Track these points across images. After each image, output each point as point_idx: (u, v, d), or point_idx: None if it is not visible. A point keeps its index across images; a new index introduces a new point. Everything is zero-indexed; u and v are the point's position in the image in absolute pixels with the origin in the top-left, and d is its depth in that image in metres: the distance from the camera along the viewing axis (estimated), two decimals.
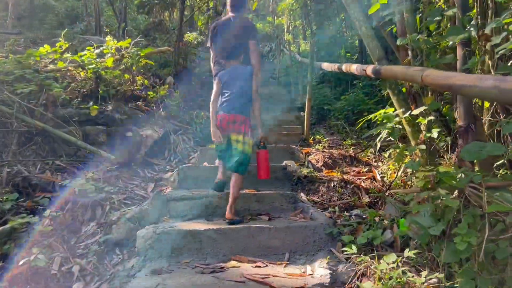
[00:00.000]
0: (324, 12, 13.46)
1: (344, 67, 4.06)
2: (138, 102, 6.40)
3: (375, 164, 4.99)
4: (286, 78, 12.97)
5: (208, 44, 4.24)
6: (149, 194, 4.56)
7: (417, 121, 3.05)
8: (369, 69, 2.98)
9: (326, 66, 5.08)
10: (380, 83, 8.74)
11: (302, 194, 4.04)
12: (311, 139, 6.17)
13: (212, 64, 4.18)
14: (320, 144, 5.82)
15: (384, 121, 4.59)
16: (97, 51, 6.35)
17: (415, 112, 2.73)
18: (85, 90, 6.00)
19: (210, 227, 3.19)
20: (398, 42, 3.37)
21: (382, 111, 4.85)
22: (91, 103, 5.78)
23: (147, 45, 12.82)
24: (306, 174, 4.30)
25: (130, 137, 5.59)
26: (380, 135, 4.54)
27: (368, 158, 5.27)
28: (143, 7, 15.96)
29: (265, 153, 3.65)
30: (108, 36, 6.58)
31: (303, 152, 5.20)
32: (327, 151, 5.42)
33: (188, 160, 5.83)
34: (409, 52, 3.30)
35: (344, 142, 6.09)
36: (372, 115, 4.92)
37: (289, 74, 12.76)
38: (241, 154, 3.46)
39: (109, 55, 6.36)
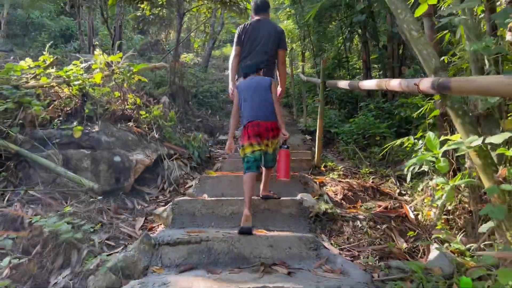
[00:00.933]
0: (323, 34, 12.95)
1: (378, 83, 3.32)
2: (129, 123, 5.66)
3: (402, 197, 4.25)
4: (285, 99, 12.34)
5: (234, 45, 4.53)
6: (138, 232, 3.77)
7: (498, 151, 2.31)
8: (426, 83, 2.28)
9: (344, 84, 4.38)
10: (389, 106, 8.09)
11: (323, 237, 3.28)
12: (322, 166, 5.44)
13: (230, 62, 4.58)
14: (334, 173, 5.08)
15: (418, 149, 3.90)
16: (84, 65, 5.63)
17: (495, 139, 2.03)
18: (69, 109, 5.26)
19: (214, 286, 2.42)
20: (469, 48, 2.70)
21: (405, 138, 4.17)
22: (75, 123, 5.03)
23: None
24: (325, 210, 3.55)
25: (118, 162, 4.83)
26: (410, 165, 3.83)
27: (391, 189, 4.54)
28: (139, 25, 15.40)
29: (287, 152, 3.68)
30: (97, 49, 5.88)
31: (317, 182, 4.45)
32: (344, 180, 4.68)
33: (183, 189, 5.06)
34: (486, 61, 2.64)
35: (361, 171, 5.35)
36: (398, 141, 4.23)
37: (289, 95, 12.14)
38: (275, 152, 3.72)
39: (98, 70, 5.65)
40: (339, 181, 4.56)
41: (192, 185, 5.09)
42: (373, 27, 9.81)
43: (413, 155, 3.96)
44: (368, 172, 5.28)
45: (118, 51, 15.45)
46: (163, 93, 8.60)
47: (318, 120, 5.30)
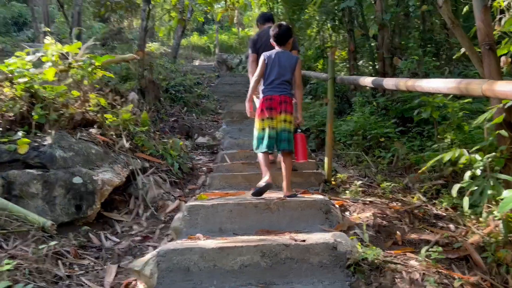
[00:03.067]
0: (305, 22, 11.95)
1: (440, 84, 2.32)
2: (92, 130, 4.48)
3: (448, 224, 3.35)
4: None
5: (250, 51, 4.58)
6: None
7: None
8: None
9: (368, 82, 3.38)
10: (384, 100, 7.21)
11: None
12: (333, 179, 4.47)
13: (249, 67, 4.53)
14: (351, 189, 4.11)
15: (477, 166, 2.98)
16: (31, 57, 4.38)
17: None
18: (11, 115, 4.03)
19: None
20: None
21: (456, 153, 3.22)
22: (19, 134, 3.82)
23: (103, 54, 10.80)
24: (366, 256, 2.57)
25: (79, 184, 3.68)
26: (468, 187, 2.91)
27: (427, 213, 3.63)
28: (100, 10, 13.87)
29: (303, 136, 3.81)
30: (48, 37, 4.62)
31: (337, 206, 3.48)
32: (367, 200, 3.74)
33: (164, 214, 3.97)
34: None
35: (380, 184, 4.42)
36: (446, 156, 3.31)
37: None
38: (289, 133, 3.64)
39: (50, 64, 4.41)
40: (364, 204, 3.61)
41: (175, 209, 4.02)
42: (362, 14, 8.89)
43: (470, 174, 3.05)
44: (389, 188, 4.34)
45: (77, 41, 13.91)
46: (130, 89, 7.36)
47: (327, 125, 4.31)
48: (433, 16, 9.19)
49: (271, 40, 3.75)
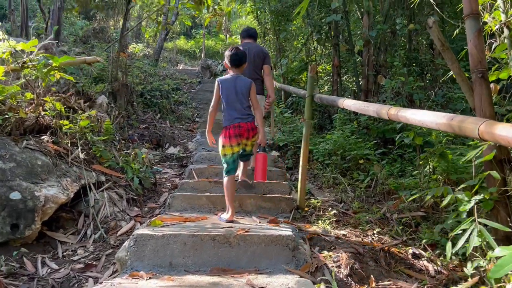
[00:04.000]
0: (289, 33, 11.63)
1: (443, 120, 1.94)
2: (44, 137, 4.01)
3: (425, 266, 2.98)
4: None
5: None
6: None
7: None
8: None
9: (354, 106, 2.98)
10: (367, 121, 6.88)
11: None
12: (306, 203, 4.08)
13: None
14: (325, 219, 3.72)
15: (466, 208, 2.62)
16: None
17: None
18: None
19: None
20: None
21: (449, 196, 2.86)
22: None
23: (80, 53, 10.26)
24: None
25: (17, 201, 3.20)
26: (454, 233, 2.55)
27: (405, 252, 3.27)
28: (83, 8, 13.32)
29: (264, 156, 3.74)
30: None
31: (307, 240, 3.09)
32: (340, 234, 3.35)
33: (115, 237, 3.51)
34: None
35: (355, 215, 4.05)
36: (433, 191, 2.96)
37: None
38: (250, 151, 3.74)
39: None
40: (336, 238, 3.22)
41: (128, 231, 3.57)
42: (348, 29, 8.60)
43: (454, 215, 2.70)
44: (363, 216, 3.98)
45: (56, 39, 13.29)
46: (100, 92, 6.88)
47: (302, 147, 3.93)
48: (419, 35, 8.96)
49: (226, 61, 3.76)
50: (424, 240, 3.58)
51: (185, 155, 5.87)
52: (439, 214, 4.19)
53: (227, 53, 3.72)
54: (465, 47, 8.45)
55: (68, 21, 18.16)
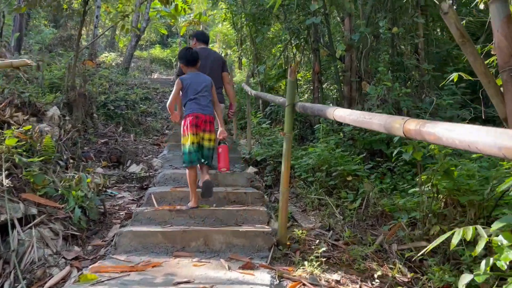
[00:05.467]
0: (267, 39, 10.92)
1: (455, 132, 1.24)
2: None
3: None
4: None
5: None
6: None
7: None
8: None
9: (349, 118, 2.19)
10: (352, 131, 6.15)
11: None
12: (288, 235, 3.26)
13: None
14: (312, 258, 2.91)
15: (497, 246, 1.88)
16: None
17: None
18: None
19: None
20: None
21: (464, 230, 2.09)
22: None
23: (40, 61, 9.28)
24: None
25: None
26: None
27: None
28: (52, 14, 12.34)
29: (226, 147, 3.97)
30: None
31: None
32: (334, 280, 2.56)
33: None
34: None
35: (347, 247, 3.26)
36: (459, 233, 2.21)
37: (227, 106, 9.94)
38: (213, 150, 3.81)
39: None
40: (327, 284, 2.42)
41: (60, 281, 2.70)
42: (329, 33, 7.92)
43: (486, 261, 1.96)
44: (358, 251, 3.20)
45: (17, 47, 12.23)
46: (54, 103, 5.97)
47: (282, 165, 3.14)
48: (403, 39, 8.35)
49: (182, 62, 3.94)
50: (436, 283, 2.83)
51: (148, 174, 5.00)
52: (448, 245, 3.46)
53: (181, 54, 3.96)
54: (455, 50, 7.56)
55: (35, 30, 17.06)
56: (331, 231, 3.75)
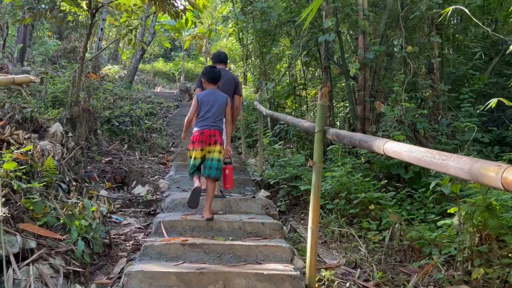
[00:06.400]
0: (275, 55, 10.66)
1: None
2: None
3: None
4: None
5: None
6: None
7: None
8: None
9: (406, 153, 1.86)
10: (370, 155, 5.82)
11: None
12: (317, 281, 2.90)
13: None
14: None
15: None
16: None
17: None
18: None
19: None
20: None
21: None
22: None
23: (43, 74, 8.98)
24: None
25: None
26: None
27: None
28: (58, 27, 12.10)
29: (230, 168, 4.03)
30: None
31: None
32: None
33: None
34: None
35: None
36: None
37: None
38: (218, 162, 3.76)
39: None
40: None
41: None
42: (341, 50, 7.66)
43: None
44: None
45: (20, 59, 11.96)
46: (57, 118, 5.64)
47: (312, 197, 2.78)
48: (418, 59, 8.09)
49: (204, 78, 4.01)
50: None
51: (154, 197, 4.65)
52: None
53: (205, 71, 4.05)
54: (470, 71, 7.07)
55: (39, 41, 16.82)
56: (359, 269, 3.39)
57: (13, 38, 14.54)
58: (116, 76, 14.81)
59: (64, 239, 3.07)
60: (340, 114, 10.26)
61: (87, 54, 16.68)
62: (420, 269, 3.51)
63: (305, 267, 3.17)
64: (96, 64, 13.66)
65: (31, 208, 3.08)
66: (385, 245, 3.81)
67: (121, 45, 21.71)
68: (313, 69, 10.91)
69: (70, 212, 3.29)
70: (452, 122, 7.07)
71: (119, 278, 2.91)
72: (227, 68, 5.11)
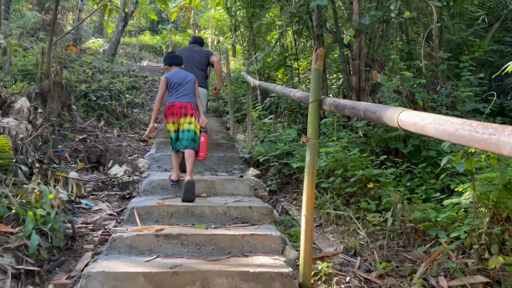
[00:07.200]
0: (264, 24, 10.01)
1: None
2: None
3: None
4: (214, 103, 9.25)
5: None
6: None
7: None
8: None
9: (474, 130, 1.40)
10: (364, 127, 5.36)
11: None
12: (312, 276, 2.45)
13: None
14: None
15: None
16: None
17: None
18: None
19: None
20: None
21: None
22: None
23: (25, 48, 8.30)
24: None
25: None
26: None
27: None
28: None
29: (205, 136, 3.98)
30: None
31: None
32: None
33: None
34: None
35: (383, 283, 2.49)
36: None
37: (219, 97, 9.10)
38: (193, 133, 3.79)
39: None
40: None
41: None
42: (335, 16, 7.08)
43: None
44: (396, 284, 2.43)
45: None
46: (23, 93, 5.06)
47: (306, 179, 2.31)
48: (416, 25, 7.54)
49: (166, 65, 4.20)
50: None
51: (131, 179, 4.16)
52: None
53: (164, 58, 4.36)
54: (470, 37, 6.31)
55: (17, 13, 15.87)
56: (359, 258, 2.97)
57: None
58: (101, 50, 14.05)
59: (16, 232, 2.59)
60: (333, 86, 9.75)
61: (68, 27, 15.83)
62: (426, 255, 3.11)
63: (298, 258, 2.75)
64: (77, 36, 12.90)
65: None
66: (387, 228, 3.39)
67: (105, 18, 20.75)
68: (304, 41, 10.29)
69: (25, 201, 2.79)
70: (452, 92, 6.59)
71: (79, 279, 2.45)
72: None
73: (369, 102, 2.14)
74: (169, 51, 18.61)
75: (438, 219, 3.30)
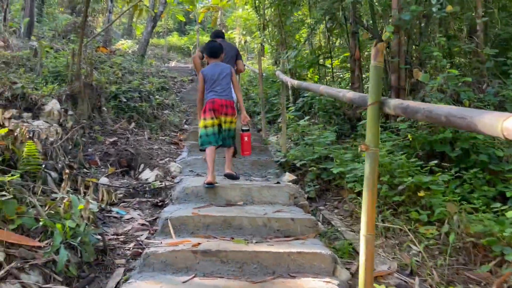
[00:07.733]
0: (294, 22, 9.67)
1: None
2: None
3: None
4: (246, 104, 8.99)
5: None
6: None
7: None
8: None
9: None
10: (407, 129, 4.97)
11: None
12: None
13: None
14: None
15: None
16: None
17: None
18: None
19: None
20: None
21: None
22: None
23: (57, 50, 8.29)
24: None
25: None
26: None
27: None
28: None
29: (249, 134, 3.97)
30: None
31: None
32: None
33: None
34: None
35: None
36: None
37: (249, 97, 8.85)
38: (233, 131, 3.85)
39: None
40: None
41: None
42: (372, 12, 6.69)
43: None
44: None
45: (27, 32, 11.25)
46: (53, 95, 4.93)
47: (365, 194, 2.00)
48: (459, 20, 7.06)
49: (205, 54, 4.04)
50: None
51: (164, 184, 3.93)
52: None
53: (205, 46, 4.19)
54: None
55: (50, 16, 16.10)
56: (417, 278, 2.63)
57: (22, 13, 13.85)
58: (130, 51, 14.05)
59: (44, 246, 2.39)
60: (366, 86, 9.30)
61: (98, 29, 15.93)
62: (492, 275, 2.74)
63: (350, 279, 2.43)
64: (107, 38, 12.92)
65: (4, 208, 2.39)
66: (445, 242, 3.02)
67: (134, 19, 20.87)
68: (334, 39, 9.89)
69: (54, 211, 2.59)
70: (499, 90, 6.10)
71: None
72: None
73: (456, 107, 1.79)
74: (196, 51, 18.59)
75: (504, 233, 2.92)
